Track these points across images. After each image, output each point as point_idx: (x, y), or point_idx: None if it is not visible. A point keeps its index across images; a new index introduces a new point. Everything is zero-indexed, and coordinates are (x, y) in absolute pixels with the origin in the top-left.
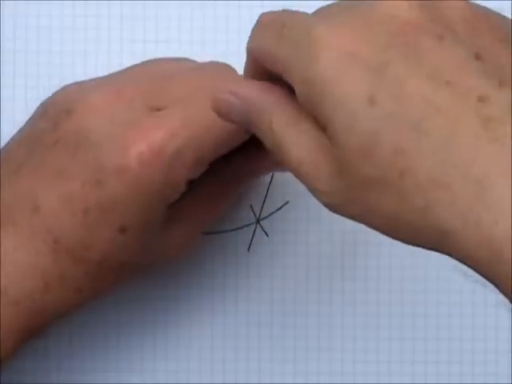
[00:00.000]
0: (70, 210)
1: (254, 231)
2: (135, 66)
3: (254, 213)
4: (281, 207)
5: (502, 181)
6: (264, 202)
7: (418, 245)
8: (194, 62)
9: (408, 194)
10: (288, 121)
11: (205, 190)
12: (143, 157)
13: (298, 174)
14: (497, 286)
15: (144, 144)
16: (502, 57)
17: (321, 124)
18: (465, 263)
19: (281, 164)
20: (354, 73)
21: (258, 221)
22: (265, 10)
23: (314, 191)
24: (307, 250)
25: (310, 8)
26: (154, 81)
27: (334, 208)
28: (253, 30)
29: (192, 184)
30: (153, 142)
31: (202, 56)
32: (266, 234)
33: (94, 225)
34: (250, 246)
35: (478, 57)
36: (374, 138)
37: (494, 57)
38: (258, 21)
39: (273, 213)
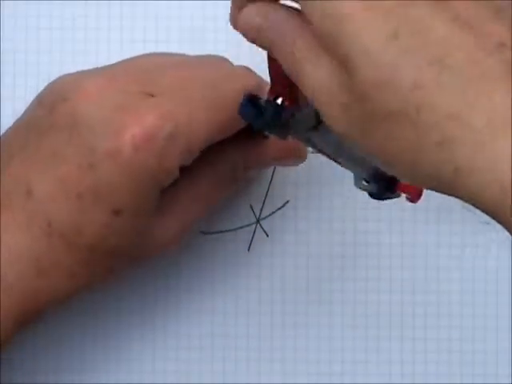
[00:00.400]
0: (63, 194)
1: (254, 231)
2: (131, 57)
3: (254, 213)
4: (281, 207)
5: None
6: (264, 201)
7: (432, 185)
8: (188, 55)
9: (424, 129)
10: (309, 47)
11: (200, 180)
12: (136, 140)
13: (315, 102)
14: (505, 225)
15: (137, 127)
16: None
17: (339, 58)
18: (475, 205)
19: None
20: (377, 9)
21: (258, 221)
22: None
23: (328, 120)
24: (307, 249)
25: None
26: (147, 70)
27: (349, 138)
28: None
29: (185, 171)
30: (145, 125)
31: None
32: (266, 233)
33: (88, 208)
34: (250, 246)
35: (498, 11)
36: (392, 71)
37: None
38: None
39: (273, 213)
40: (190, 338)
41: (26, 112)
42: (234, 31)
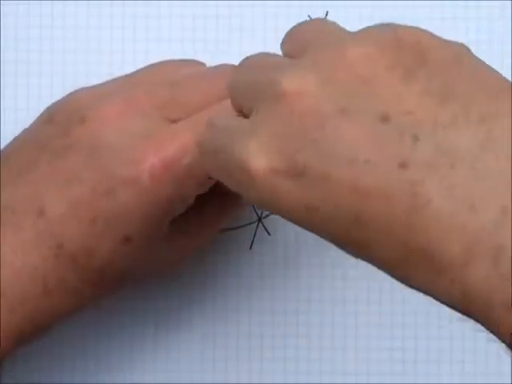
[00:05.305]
0: (77, 217)
1: (256, 229)
2: (145, 69)
3: (255, 211)
4: None
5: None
6: None
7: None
8: (202, 64)
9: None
10: None
11: (206, 206)
12: (155, 170)
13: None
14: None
15: (157, 157)
16: (412, 109)
17: None
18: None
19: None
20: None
21: (259, 219)
22: (266, 10)
23: None
24: (309, 248)
25: (311, 7)
26: (166, 88)
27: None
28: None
29: (199, 197)
30: (165, 155)
31: (203, 55)
32: (268, 232)
33: (100, 233)
34: (252, 245)
35: (384, 118)
36: None
37: (403, 112)
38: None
39: None
40: (191, 336)
41: (34, 126)
42: (236, 30)
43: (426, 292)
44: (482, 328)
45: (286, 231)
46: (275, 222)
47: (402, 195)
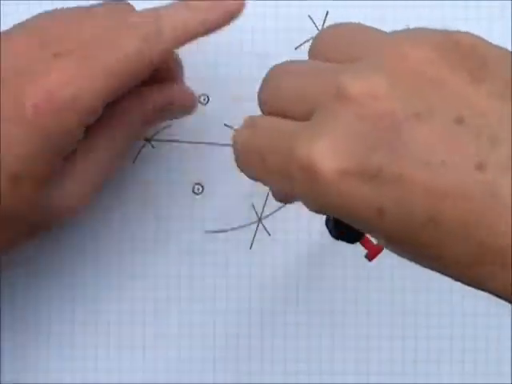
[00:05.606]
0: None
1: (256, 230)
2: (32, 17)
3: (255, 212)
4: (282, 206)
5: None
6: (266, 200)
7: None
8: (89, 6)
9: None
10: None
11: (97, 141)
12: (36, 103)
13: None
14: None
15: (38, 90)
16: (485, 111)
17: None
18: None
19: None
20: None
21: (259, 219)
22: (266, 10)
23: None
24: (309, 248)
25: (311, 7)
26: (49, 28)
27: None
28: None
29: (87, 134)
30: (47, 88)
31: (203, 55)
32: (268, 232)
33: None
34: (252, 245)
35: (459, 121)
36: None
37: (476, 114)
38: None
39: (275, 211)
40: (191, 337)
41: None
42: (236, 30)
43: (497, 292)
44: None
45: (286, 231)
46: (275, 222)
47: (481, 197)
